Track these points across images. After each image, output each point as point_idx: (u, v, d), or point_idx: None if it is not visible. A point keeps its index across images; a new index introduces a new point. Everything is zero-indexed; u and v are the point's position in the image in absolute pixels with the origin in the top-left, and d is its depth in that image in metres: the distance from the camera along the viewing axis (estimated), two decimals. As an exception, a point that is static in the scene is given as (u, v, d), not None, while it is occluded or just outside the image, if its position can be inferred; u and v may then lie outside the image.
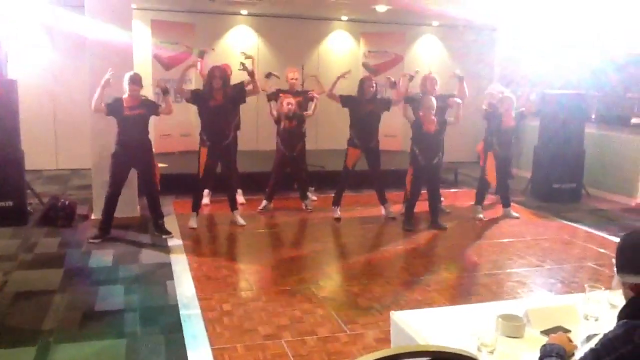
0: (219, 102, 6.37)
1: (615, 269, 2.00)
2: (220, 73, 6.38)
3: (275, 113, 7.40)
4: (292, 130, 7.29)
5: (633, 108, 8.66)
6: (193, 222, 6.57)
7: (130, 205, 6.67)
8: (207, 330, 4.03)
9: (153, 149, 6.37)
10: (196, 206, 6.67)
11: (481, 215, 7.38)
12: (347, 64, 11.05)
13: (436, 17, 10.92)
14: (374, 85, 7.05)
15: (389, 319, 2.61)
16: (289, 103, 7.22)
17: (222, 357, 3.67)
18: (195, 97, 6.47)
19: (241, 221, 6.75)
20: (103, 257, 5.55)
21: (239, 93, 6.61)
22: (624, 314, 1.87)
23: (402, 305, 4.54)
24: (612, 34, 8.76)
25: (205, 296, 4.65)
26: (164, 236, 6.18)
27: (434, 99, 6.76)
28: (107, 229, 6.09)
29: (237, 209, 6.87)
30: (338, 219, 7.14)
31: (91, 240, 5.96)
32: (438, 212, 7.08)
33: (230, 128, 6.69)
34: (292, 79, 7.75)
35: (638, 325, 1.78)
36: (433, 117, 6.74)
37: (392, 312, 2.59)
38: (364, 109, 6.96)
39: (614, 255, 2.05)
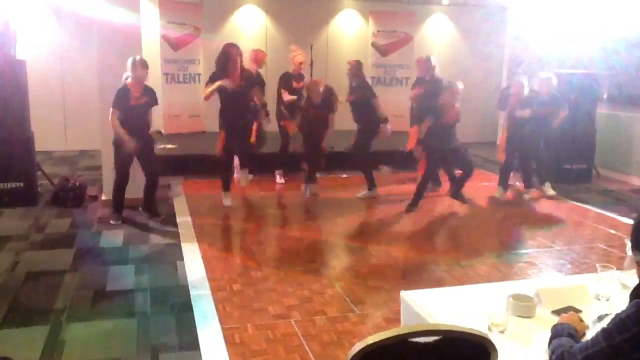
0: (236, 84, 6.15)
1: (629, 247, 1.98)
2: (237, 52, 6.12)
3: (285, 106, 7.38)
4: (317, 120, 7.00)
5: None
6: (227, 201, 6.59)
7: (139, 187, 6.67)
8: (217, 310, 4.05)
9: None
10: (226, 186, 6.61)
11: (499, 196, 7.39)
12: (356, 43, 10.99)
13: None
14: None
15: (398, 299, 2.61)
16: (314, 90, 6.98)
17: (232, 336, 3.70)
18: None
19: (228, 203, 6.61)
20: (113, 237, 5.59)
21: (255, 82, 6.59)
22: (636, 294, 1.85)
23: (412, 286, 4.51)
24: (624, 12, 8.62)
25: (215, 276, 4.67)
26: (154, 218, 6.16)
27: (460, 85, 6.61)
28: (121, 210, 6.10)
29: (229, 190, 6.68)
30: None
31: (113, 222, 5.98)
32: (463, 184, 6.79)
33: (247, 111, 6.51)
34: (301, 62, 7.55)
35: None
36: (457, 105, 6.49)
37: (403, 291, 2.58)
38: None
39: (624, 236, 2.03)
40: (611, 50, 8.84)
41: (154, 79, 9.29)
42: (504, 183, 7.46)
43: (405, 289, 2.62)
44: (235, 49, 6.12)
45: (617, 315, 1.83)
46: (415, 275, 4.95)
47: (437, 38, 11.45)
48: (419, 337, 1.68)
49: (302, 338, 3.70)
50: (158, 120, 9.58)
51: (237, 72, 6.11)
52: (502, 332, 2.18)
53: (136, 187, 6.51)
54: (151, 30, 9.32)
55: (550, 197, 7.45)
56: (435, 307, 2.43)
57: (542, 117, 7.20)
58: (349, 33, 11.13)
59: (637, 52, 8.54)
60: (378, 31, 10.91)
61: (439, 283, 4.64)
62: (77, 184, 6.65)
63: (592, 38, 9.11)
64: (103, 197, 6.65)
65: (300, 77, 7.57)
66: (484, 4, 10.88)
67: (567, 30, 9.64)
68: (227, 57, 6.08)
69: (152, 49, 9.19)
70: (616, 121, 8.78)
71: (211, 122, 9.79)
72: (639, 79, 8.67)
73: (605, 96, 8.99)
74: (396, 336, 1.66)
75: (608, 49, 8.88)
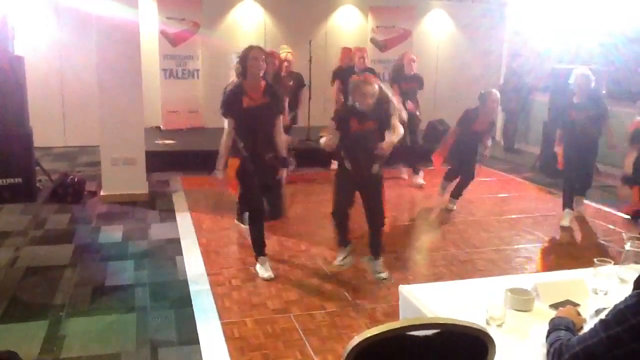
0: (257, 101, 4.45)
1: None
2: (263, 55, 4.44)
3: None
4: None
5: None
6: (264, 270, 4.63)
7: (138, 182, 6.69)
8: (216, 305, 4.06)
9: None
10: (259, 248, 4.74)
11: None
12: (355, 39, 10.97)
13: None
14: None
15: (397, 293, 2.62)
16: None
17: (231, 331, 3.71)
18: (228, 108, 4.53)
19: (266, 273, 4.61)
20: (112, 233, 5.59)
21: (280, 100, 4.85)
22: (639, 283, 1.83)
23: (410, 280, 4.55)
24: (623, 7, 8.61)
25: (215, 271, 4.68)
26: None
27: (497, 93, 6.35)
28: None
29: (264, 255, 4.73)
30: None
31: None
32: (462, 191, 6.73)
33: (271, 139, 4.57)
34: (285, 60, 7.45)
35: None
36: (493, 118, 6.39)
37: (401, 285, 2.59)
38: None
39: (622, 231, 2.02)
40: (610, 46, 8.83)
41: (152, 74, 9.33)
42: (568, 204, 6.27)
43: (404, 283, 2.62)
44: (257, 51, 4.44)
45: (615, 306, 1.83)
46: (414, 269, 4.97)
47: (436, 33, 11.45)
48: (417, 330, 1.69)
49: (301, 332, 3.71)
50: (157, 116, 9.62)
51: (258, 83, 4.47)
52: (499, 325, 2.18)
53: (135, 182, 6.54)
54: (150, 25, 9.32)
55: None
56: (433, 301, 2.44)
57: (581, 124, 5.96)
58: (348, 29, 11.12)
59: (636, 48, 8.53)
60: (377, 27, 10.90)
61: (437, 277, 4.65)
62: (76, 179, 6.65)
63: (592, 33, 9.10)
64: (102, 193, 6.65)
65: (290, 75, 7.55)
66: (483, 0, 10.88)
67: (566, 26, 9.64)
68: (245, 62, 4.42)
69: (150, 45, 9.19)
70: (615, 117, 8.76)
71: (210, 118, 9.83)
72: (638, 75, 8.66)
73: (604, 92, 8.98)
74: (394, 330, 1.66)
75: (607, 44, 8.87)
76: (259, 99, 4.47)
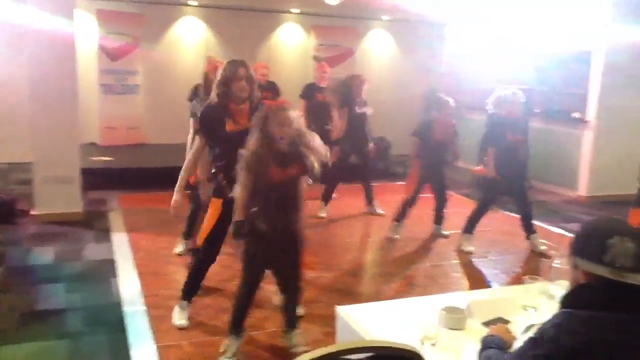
0: (242, 124, 3.72)
1: (571, 250, 1.92)
2: (246, 73, 3.78)
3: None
4: None
5: (574, 103, 8.89)
6: (180, 318, 4.06)
7: (73, 201, 6.47)
8: (152, 328, 3.95)
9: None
10: (189, 292, 4.15)
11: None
12: (298, 56, 11.04)
13: (387, 12, 10.98)
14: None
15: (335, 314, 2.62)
16: None
17: (167, 354, 3.61)
18: (209, 133, 3.90)
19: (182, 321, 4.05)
20: (44, 254, 5.38)
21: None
22: (567, 302, 1.85)
23: (349, 298, 4.56)
24: (555, 31, 9.01)
25: (151, 293, 4.56)
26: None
27: (452, 101, 6.15)
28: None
29: (190, 300, 4.17)
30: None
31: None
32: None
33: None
34: (263, 74, 7.11)
35: (578, 315, 1.79)
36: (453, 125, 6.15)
37: (337, 306, 2.59)
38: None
39: (555, 246, 2.05)
40: (544, 68, 9.23)
41: (90, 89, 9.10)
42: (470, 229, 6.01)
43: (343, 303, 2.63)
44: (243, 70, 3.78)
45: (543, 324, 1.86)
46: (353, 288, 4.98)
47: (378, 52, 11.64)
48: (348, 355, 1.68)
49: (239, 354, 3.65)
50: (93, 132, 9.36)
51: (244, 106, 3.83)
52: (433, 345, 2.21)
53: (69, 201, 6.33)
54: (88, 41, 9.09)
55: (540, 253, 5.84)
56: (370, 322, 2.45)
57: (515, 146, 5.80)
58: (291, 46, 11.17)
59: (564, 71, 8.94)
60: (320, 45, 10.99)
61: (376, 296, 4.68)
62: (7, 198, 6.39)
63: (527, 56, 9.47)
64: (34, 212, 6.40)
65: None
66: (423, 20, 11.15)
67: (503, 47, 10.00)
68: (229, 84, 3.76)
69: (88, 60, 8.97)
70: (547, 135, 9.12)
71: (151, 134, 9.66)
72: (567, 95, 9.04)
73: (538, 111, 9.34)
74: (328, 355, 1.65)
75: (541, 66, 9.27)
76: (245, 123, 3.68)
